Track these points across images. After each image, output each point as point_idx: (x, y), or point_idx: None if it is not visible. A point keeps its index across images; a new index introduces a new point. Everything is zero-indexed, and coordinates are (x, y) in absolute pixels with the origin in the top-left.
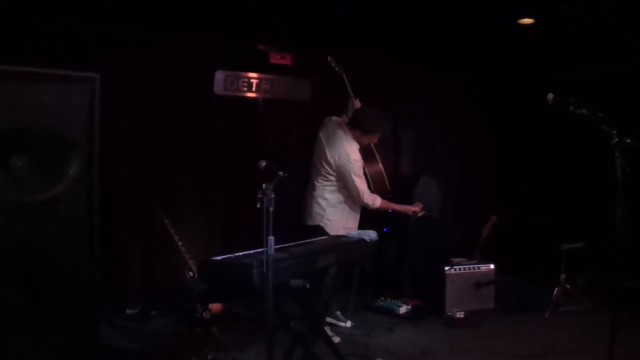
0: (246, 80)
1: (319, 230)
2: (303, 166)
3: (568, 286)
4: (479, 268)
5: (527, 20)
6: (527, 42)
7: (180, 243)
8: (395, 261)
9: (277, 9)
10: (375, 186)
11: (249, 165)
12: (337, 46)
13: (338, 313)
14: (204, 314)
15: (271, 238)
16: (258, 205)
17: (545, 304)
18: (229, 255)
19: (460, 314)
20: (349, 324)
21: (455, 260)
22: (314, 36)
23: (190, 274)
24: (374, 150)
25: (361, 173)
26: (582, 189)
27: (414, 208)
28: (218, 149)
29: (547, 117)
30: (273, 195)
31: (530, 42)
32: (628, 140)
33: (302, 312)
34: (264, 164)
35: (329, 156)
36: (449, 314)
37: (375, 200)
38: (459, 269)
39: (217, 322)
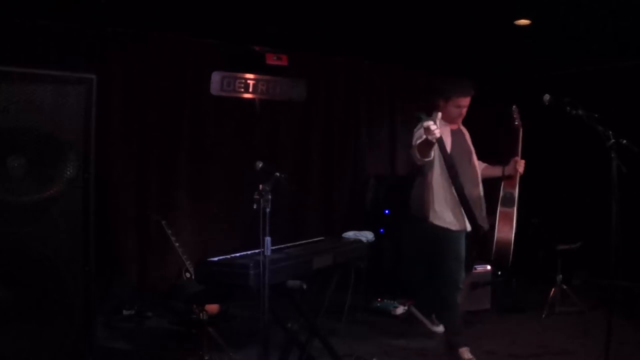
0: (243, 81)
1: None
2: (299, 167)
3: (564, 286)
4: (475, 269)
5: (524, 22)
6: (523, 42)
7: (177, 244)
8: (391, 262)
9: (273, 10)
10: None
11: (245, 166)
12: (334, 47)
13: (433, 317)
14: (200, 315)
15: (268, 239)
16: (254, 207)
17: (541, 305)
18: (225, 256)
19: None
20: (440, 328)
21: None
22: (311, 37)
23: (187, 274)
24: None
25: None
26: (578, 189)
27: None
28: (215, 150)
29: (543, 117)
30: (269, 197)
31: (526, 43)
32: (624, 141)
33: (299, 313)
34: (260, 164)
35: None
36: None
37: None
38: None
39: (213, 323)
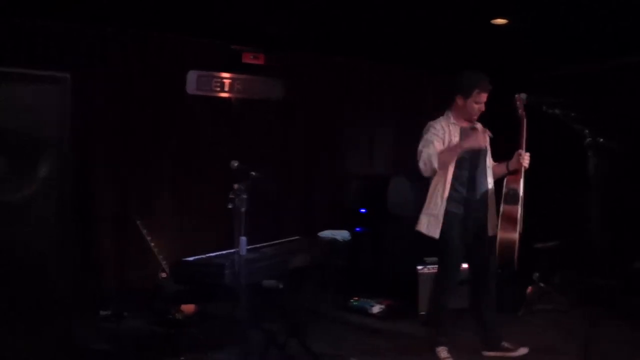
0: (219, 80)
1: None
2: (276, 166)
3: (542, 285)
4: None
5: (501, 21)
6: (500, 42)
7: (152, 244)
8: (368, 261)
9: (250, 8)
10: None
11: (222, 165)
12: (311, 46)
13: (505, 344)
14: (178, 314)
15: (243, 238)
16: (230, 206)
17: (520, 303)
18: (202, 256)
19: None
20: (522, 350)
21: (429, 259)
22: (289, 35)
23: (164, 274)
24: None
25: (432, 139)
26: (556, 187)
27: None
28: (191, 149)
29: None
30: (244, 196)
31: (504, 43)
32: (601, 140)
33: (276, 313)
34: (236, 164)
35: None
36: (422, 313)
37: (430, 158)
38: (432, 268)
39: (190, 323)
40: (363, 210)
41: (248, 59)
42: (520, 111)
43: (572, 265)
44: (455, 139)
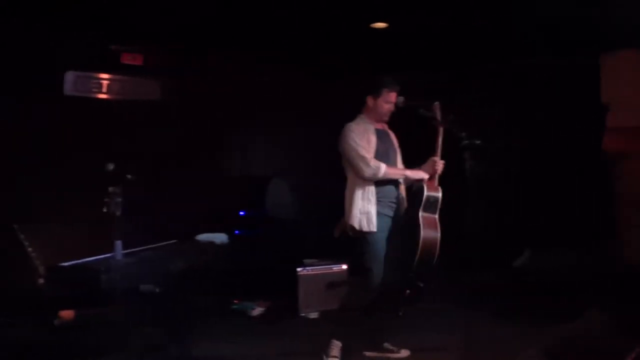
0: (97, 80)
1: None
2: (154, 168)
3: (421, 284)
4: (331, 269)
5: (380, 25)
6: (379, 45)
7: (30, 249)
8: (248, 263)
9: (131, 8)
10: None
11: (99, 168)
12: (187, 46)
13: (387, 345)
14: (56, 321)
15: (119, 242)
16: (104, 210)
17: (398, 302)
18: (77, 261)
19: (314, 315)
20: (404, 352)
21: (308, 261)
22: (165, 36)
23: (41, 280)
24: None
25: (362, 143)
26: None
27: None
28: (68, 152)
29: (397, 119)
30: (119, 199)
31: (383, 46)
32: (478, 142)
33: (154, 317)
34: (111, 167)
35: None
36: (302, 314)
37: (379, 168)
38: (312, 270)
39: (69, 329)
40: (242, 213)
41: (126, 59)
42: (436, 119)
43: (453, 264)
44: (373, 139)
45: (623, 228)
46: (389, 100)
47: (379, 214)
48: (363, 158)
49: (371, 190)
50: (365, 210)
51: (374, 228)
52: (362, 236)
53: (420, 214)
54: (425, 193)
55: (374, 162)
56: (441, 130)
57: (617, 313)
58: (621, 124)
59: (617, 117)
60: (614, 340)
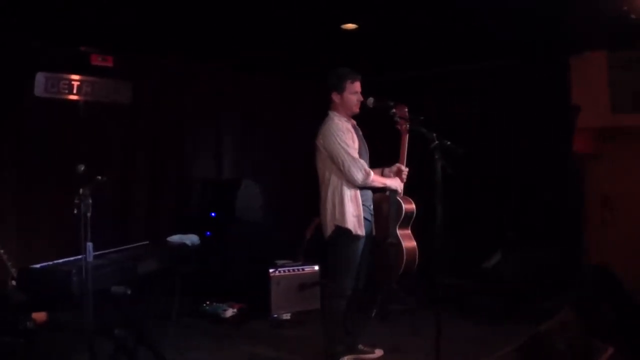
0: (67, 82)
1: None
2: (124, 170)
3: (394, 286)
4: (303, 270)
5: (351, 26)
6: (349, 47)
7: (2, 251)
8: (219, 265)
9: (98, 10)
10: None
11: (69, 169)
12: (158, 48)
13: (361, 346)
14: (28, 324)
15: (89, 244)
16: (75, 211)
17: (372, 303)
18: (48, 263)
19: (286, 316)
20: (378, 352)
21: (280, 262)
22: (136, 38)
23: (13, 282)
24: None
25: (350, 142)
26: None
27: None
28: (39, 153)
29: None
30: (90, 201)
31: (353, 47)
32: (448, 143)
33: (125, 319)
34: (82, 168)
35: (320, 146)
36: (274, 315)
37: (369, 174)
38: (283, 271)
39: (41, 332)
40: (213, 214)
41: (97, 61)
42: (401, 124)
43: (425, 266)
44: (356, 138)
45: (591, 227)
46: (354, 91)
47: (363, 218)
48: (355, 161)
49: (358, 193)
50: (356, 213)
51: (363, 232)
52: (345, 239)
53: (398, 231)
54: (404, 209)
55: (366, 167)
56: (407, 135)
57: (588, 312)
58: (590, 124)
59: (586, 118)
60: (587, 340)
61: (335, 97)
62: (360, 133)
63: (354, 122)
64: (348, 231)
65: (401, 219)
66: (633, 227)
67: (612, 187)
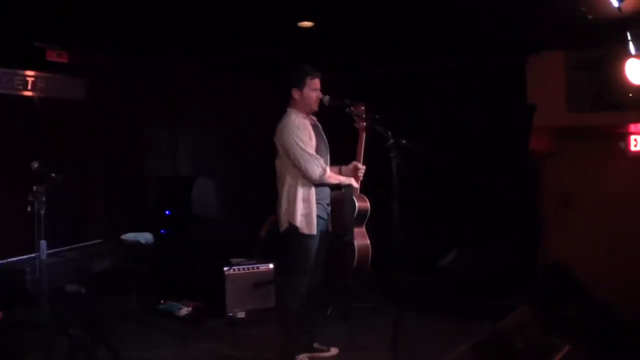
0: (22, 78)
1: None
2: (79, 167)
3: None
4: (258, 268)
5: (307, 24)
6: (307, 44)
7: None
8: (174, 263)
9: (54, 4)
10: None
11: (23, 166)
12: (114, 44)
13: (316, 345)
14: None
15: (43, 242)
16: (29, 209)
17: (328, 302)
18: (2, 261)
19: (241, 314)
20: (333, 350)
21: (235, 260)
22: (91, 33)
23: None
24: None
25: (306, 139)
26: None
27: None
28: None
29: (325, 117)
30: (44, 198)
31: (310, 45)
32: (404, 141)
33: (81, 318)
34: (36, 165)
35: (277, 143)
36: (230, 314)
37: (326, 171)
38: (239, 269)
39: None
40: (168, 212)
41: (52, 56)
42: (358, 122)
43: (381, 264)
44: (313, 135)
45: (550, 225)
46: (314, 88)
47: (317, 216)
48: (313, 157)
49: (312, 191)
50: (306, 212)
51: (314, 231)
52: (297, 237)
53: (353, 228)
54: (357, 207)
55: (323, 164)
56: (364, 133)
57: (547, 310)
58: (547, 123)
59: (543, 117)
60: (545, 337)
61: (295, 93)
62: (321, 130)
63: (315, 119)
64: (297, 228)
65: (354, 216)
66: (592, 225)
67: (571, 186)
